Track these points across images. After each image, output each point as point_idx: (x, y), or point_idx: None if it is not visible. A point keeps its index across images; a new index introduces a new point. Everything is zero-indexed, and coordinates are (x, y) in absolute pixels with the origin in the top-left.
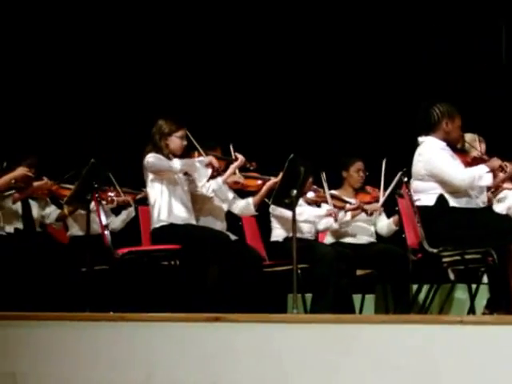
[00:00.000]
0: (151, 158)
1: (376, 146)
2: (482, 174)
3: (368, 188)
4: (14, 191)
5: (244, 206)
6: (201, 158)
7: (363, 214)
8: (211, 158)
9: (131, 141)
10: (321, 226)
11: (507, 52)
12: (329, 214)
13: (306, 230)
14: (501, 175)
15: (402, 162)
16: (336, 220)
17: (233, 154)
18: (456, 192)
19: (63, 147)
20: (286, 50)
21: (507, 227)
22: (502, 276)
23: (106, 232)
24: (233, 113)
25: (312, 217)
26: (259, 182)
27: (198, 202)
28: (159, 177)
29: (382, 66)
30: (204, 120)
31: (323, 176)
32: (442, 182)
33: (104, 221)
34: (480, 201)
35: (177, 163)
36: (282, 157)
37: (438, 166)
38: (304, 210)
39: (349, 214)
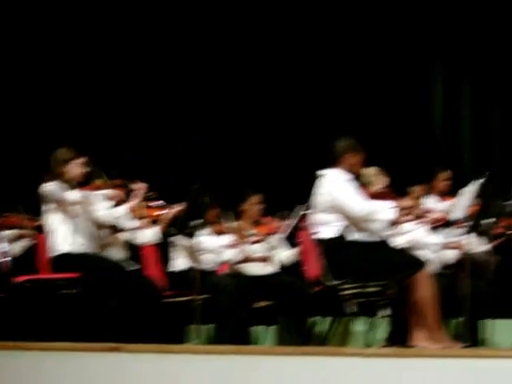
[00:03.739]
0: (49, 187)
1: (274, 177)
2: (382, 208)
3: (266, 219)
4: None
5: (148, 235)
6: (102, 192)
7: (264, 246)
8: (113, 191)
9: (31, 167)
10: (224, 257)
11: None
12: (232, 245)
13: (209, 261)
14: (403, 211)
15: (303, 194)
16: (239, 250)
17: (134, 184)
18: (358, 225)
19: None
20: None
21: (405, 262)
22: (401, 309)
23: (5, 259)
24: (133, 142)
25: (216, 246)
26: (162, 211)
27: (99, 230)
28: (58, 206)
29: (282, 98)
30: (107, 148)
31: (227, 209)
32: (343, 214)
33: (3, 248)
34: (380, 234)
35: (73, 194)
36: (183, 187)
37: (339, 198)
38: (207, 239)
39: (253, 246)
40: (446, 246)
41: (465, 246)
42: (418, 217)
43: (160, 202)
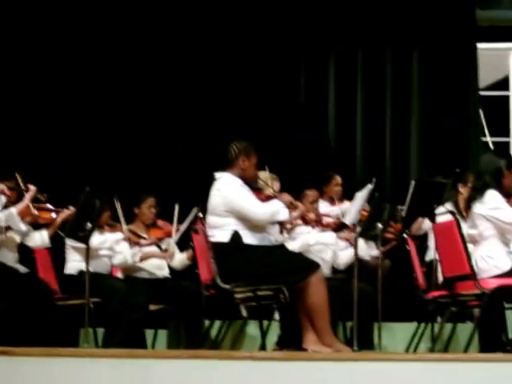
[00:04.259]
0: None
1: (169, 180)
2: (279, 209)
3: (160, 223)
4: None
5: (38, 238)
6: None
7: (157, 249)
8: (2, 186)
9: None
10: (116, 261)
11: (305, 90)
12: (127, 239)
13: (101, 264)
14: (294, 214)
15: (196, 196)
16: (132, 253)
17: (21, 184)
18: (253, 228)
19: None
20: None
21: (299, 265)
22: (293, 313)
23: None
24: (24, 142)
25: (114, 242)
26: (53, 214)
27: None
28: None
29: (177, 99)
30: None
31: (119, 210)
32: (241, 218)
33: None
34: (274, 238)
35: None
36: (75, 189)
37: (238, 202)
38: (106, 238)
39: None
40: (339, 237)
41: (355, 248)
42: (311, 221)
43: (49, 206)
